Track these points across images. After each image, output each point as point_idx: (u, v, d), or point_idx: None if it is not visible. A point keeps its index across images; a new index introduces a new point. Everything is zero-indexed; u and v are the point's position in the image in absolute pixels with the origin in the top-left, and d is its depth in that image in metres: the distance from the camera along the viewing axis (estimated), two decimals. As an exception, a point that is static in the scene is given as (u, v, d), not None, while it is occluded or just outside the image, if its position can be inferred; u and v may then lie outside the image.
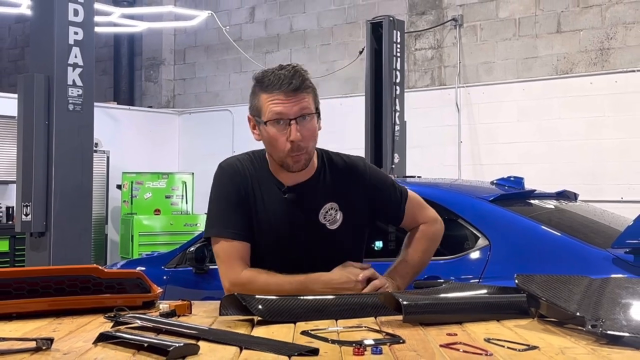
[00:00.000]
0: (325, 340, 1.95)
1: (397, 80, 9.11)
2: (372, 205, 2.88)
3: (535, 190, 5.23)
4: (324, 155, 2.85)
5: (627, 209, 5.70)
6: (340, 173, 2.84)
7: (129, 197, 11.77)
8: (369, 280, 2.66)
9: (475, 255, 4.45)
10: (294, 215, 2.75)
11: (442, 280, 3.46)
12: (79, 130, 5.74)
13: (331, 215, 2.77)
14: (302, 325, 2.16)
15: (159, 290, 2.61)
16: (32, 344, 1.85)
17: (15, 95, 5.82)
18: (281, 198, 2.74)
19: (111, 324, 2.21)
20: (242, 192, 2.73)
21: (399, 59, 9.16)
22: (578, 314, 2.09)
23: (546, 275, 2.40)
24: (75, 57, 5.70)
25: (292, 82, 2.59)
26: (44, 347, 1.85)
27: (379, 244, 4.76)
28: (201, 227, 11.07)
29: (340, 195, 2.80)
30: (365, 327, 2.15)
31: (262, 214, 2.73)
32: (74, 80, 5.68)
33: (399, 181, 5.39)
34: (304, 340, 1.97)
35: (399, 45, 9.18)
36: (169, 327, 2.08)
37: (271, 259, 2.73)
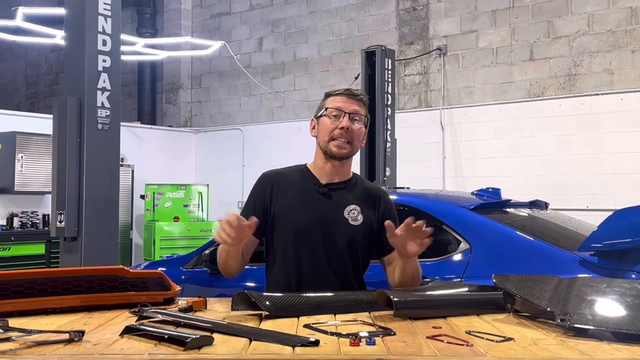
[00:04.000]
0: (325, 332, 1.96)
1: (389, 103, 9.14)
2: (380, 228, 2.92)
3: (510, 200, 5.23)
4: (357, 175, 3.07)
5: (592, 217, 5.69)
6: (367, 190, 3.02)
7: (151, 206, 11.75)
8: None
9: (457, 257, 4.44)
10: (323, 206, 2.88)
11: (428, 280, 3.45)
12: (106, 147, 5.74)
13: (354, 214, 2.89)
14: (305, 320, 2.17)
15: (178, 288, 2.62)
16: (66, 336, 1.86)
17: (51, 116, 5.82)
18: (315, 192, 2.90)
19: (136, 318, 2.21)
20: (266, 193, 2.92)
21: (390, 84, 9.18)
22: (549, 309, 2.09)
23: (520, 275, 2.40)
24: (104, 82, 5.71)
25: (354, 92, 2.95)
26: (76, 339, 1.85)
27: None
28: (215, 232, 11.05)
29: (363, 204, 2.93)
30: (360, 321, 2.15)
31: (295, 205, 2.88)
32: (102, 103, 5.69)
33: (390, 192, 5.39)
34: (307, 333, 1.97)
35: (390, 72, 9.20)
36: (186, 321, 2.08)
37: (297, 244, 2.85)
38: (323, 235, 2.84)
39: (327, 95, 2.98)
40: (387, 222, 2.61)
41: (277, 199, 2.89)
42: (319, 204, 2.88)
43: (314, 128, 2.97)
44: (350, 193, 2.93)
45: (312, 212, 2.86)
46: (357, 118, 2.88)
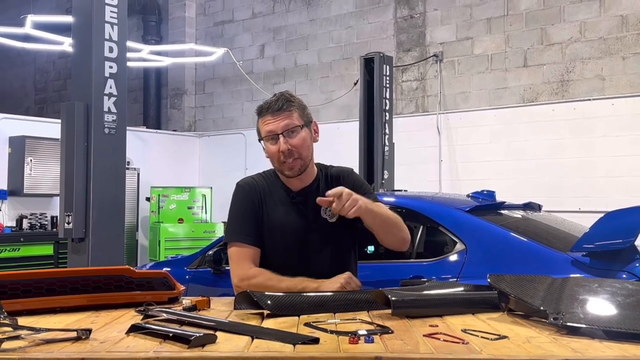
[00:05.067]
0: (325, 331, 1.96)
1: (387, 108, 9.15)
2: None
3: (505, 202, 5.23)
4: (320, 167, 3.00)
5: (584, 218, 5.69)
6: (332, 178, 2.96)
7: (157, 208, 11.76)
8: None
9: (453, 257, 4.45)
10: (302, 214, 2.86)
11: (425, 279, 3.46)
12: (113, 151, 5.75)
13: (330, 211, 2.83)
14: (305, 318, 2.17)
15: (182, 288, 2.62)
16: (73, 334, 1.86)
17: (59, 121, 5.83)
18: (291, 201, 2.87)
19: (141, 317, 2.21)
20: (255, 204, 2.85)
21: (388, 90, 9.19)
22: (542, 308, 2.09)
23: (514, 275, 2.40)
24: (110, 87, 5.71)
25: (277, 104, 2.77)
26: (83, 337, 1.85)
27: (371, 248, 4.75)
28: (219, 233, 11.09)
29: None
30: (359, 319, 2.15)
31: (276, 216, 2.84)
32: (109, 108, 5.69)
33: (388, 194, 5.40)
34: (307, 331, 1.97)
35: (388, 78, 9.22)
36: (190, 320, 2.08)
37: (283, 252, 2.82)
38: (310, 241, 2.84)
39: (257, 113, 2.85)
40: (318, 199, 2.62)
41: (264, 213, 2.85)
42: (298, 213, 2.85)
43: (264, 150, 2.85)
44: (322, 191, 2.85)
45: (294, 223, 2.84)
46: (292, 130, 2.76)
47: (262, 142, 2.84)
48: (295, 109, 2.80)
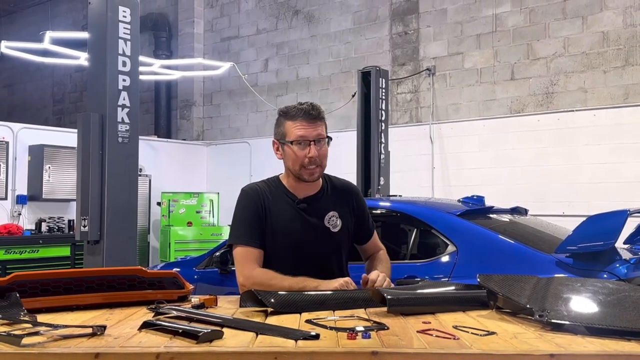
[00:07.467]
0: (325, 327, 1.96)
1: (382, 118, 9.15)
2: (355, 219, 2.97)
3: (493, 207, 5.23)
4: (325, 177, 2.97)
5: (568, 222, 5.68)
6: (338, 190, 2.97)
7: (167, 212, 11.76)
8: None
9: (445, 259, 4.44)
10: (305, 220, 2.83)
11: (418, 279, 3.46)
12: (126, 159, 5.74)
13: (333, 221, 2.86)
14: (306, 315, 2.16)
15: (191, 287, 2.62)
16: (89, 330, 1.86)
17: (76, 130, 5.83)
18: (295, 208, 2.83)
19: (152, 314, 2.21)
20: (259, 209, 2.81)
21: (383, 101, 9.20)
22: (528, 306, 2.09)
23: (502, 275, 2.40)
24: (124, 99, 5.71)
25: (312, 113, 2.75)
26: (98, 333, 1.85)
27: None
28: (225, 236, 11.06)
29: (338, 206, 2.91)
30: (357, 316, 2.15)
31: (280, 220, 2.81)
32: (122, 118, 5.69)
33: (384, 199, 5.40)
34: (308, 327, 1.97)
35: (384, 90, 9.23)
36: (199, 317, 2.08)
37: (285, 256, 2.80)
38: (310, 248, 2.82)
39: (285, 115, 2.80)
40: (363, 277, 2.68)
41: (267, 217, 2.81)
42: (301, 220, 2.82)
43: (278, 150, 2.86)
44: (326, 200, 2.89)
45: (296, 229, 2.81)
46: (320, 140, 2.76)
47: (284, 144, 2.79)
48: (323, 121, 2.82)
